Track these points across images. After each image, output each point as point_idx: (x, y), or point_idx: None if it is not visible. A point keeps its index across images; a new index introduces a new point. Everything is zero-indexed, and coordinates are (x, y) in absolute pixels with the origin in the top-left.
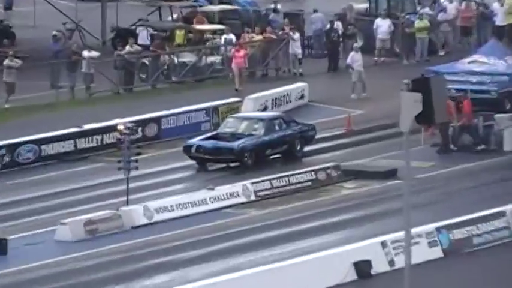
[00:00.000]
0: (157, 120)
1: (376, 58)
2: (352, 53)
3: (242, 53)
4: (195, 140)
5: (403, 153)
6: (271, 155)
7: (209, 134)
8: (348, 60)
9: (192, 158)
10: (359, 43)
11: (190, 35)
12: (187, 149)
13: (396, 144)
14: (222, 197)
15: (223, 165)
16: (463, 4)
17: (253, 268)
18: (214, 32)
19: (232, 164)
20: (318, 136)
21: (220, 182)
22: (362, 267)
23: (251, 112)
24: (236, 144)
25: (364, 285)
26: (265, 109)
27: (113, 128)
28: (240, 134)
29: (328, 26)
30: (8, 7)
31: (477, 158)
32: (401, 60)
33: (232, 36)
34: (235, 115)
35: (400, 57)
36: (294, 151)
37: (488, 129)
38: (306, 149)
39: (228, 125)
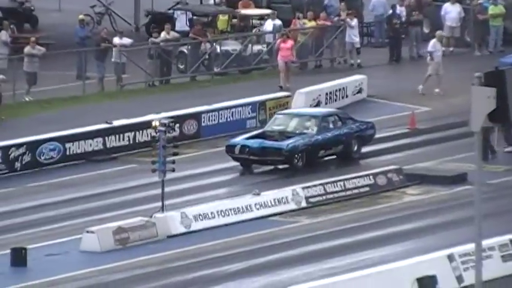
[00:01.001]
0: (196, 116)
1: (444, 48)
2: (433, 41)
3: (289, 44)
4: (239, 139)
5: (474, 155)
6: (325, 156)
7: (255, 133)
8: (429, 48)
9: (235, 159)
10: (425, 31)
11: (235, 20)
12: (230, 149)
13: (466, 145)
14: (269, 203)
15: (271, 167)
16: None
17: (304, 284)
18: (261, 17)
19: (280, 166)
20: (377, 136)
21: (267, 186)
22: (426, 284)
23: (302, 108)
24: (285, 144)
25: None
26: (318, 104)
27: (146, 125)
28: (289, 133)
29: (390, 11)
30: None
31: None
32: (473, 50)
33: (279, 22)
34: (285, 111)
35: (472, 47)
36: (351, 152)
37: None
38: (364, 150)
39: (277, 123)
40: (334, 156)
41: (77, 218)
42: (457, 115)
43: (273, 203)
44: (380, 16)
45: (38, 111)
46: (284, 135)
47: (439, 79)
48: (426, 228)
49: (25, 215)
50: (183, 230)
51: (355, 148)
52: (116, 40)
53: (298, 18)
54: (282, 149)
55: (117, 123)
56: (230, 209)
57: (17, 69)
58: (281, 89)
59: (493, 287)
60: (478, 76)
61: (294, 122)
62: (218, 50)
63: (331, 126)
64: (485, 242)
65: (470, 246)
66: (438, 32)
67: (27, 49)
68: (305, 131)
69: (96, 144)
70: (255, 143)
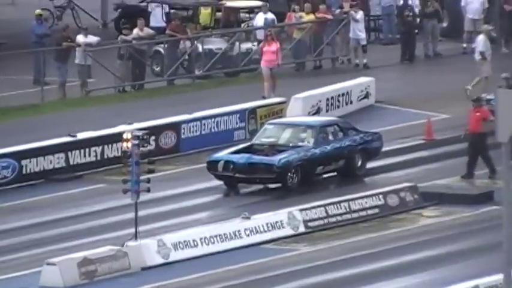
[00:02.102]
0: (175, 127)
1: (465, 45)
2: (482, 37)
3: (274, 47)
4: (223, 154)
5: (502, 170)
6: (324, 173)
7: (241, 146)
8: (480, 47)
9: (218, 177)
10: (443, 24)
11: (219, 14)
12: (212, 166)
13: (493, 158)
14: (261, 229)
15: (260, 187)
16: None
17: None
18: (251, 10)
19: (271, 186)
20: (387, 148)
21: (256, 209)
22: None
23: (298, 117)
24: (277, 159)
25: None
26: (317, 112)
27: (116, 138)
28: (282, 146)
29: (401, 2)
30: None
31: None
32: (499, 47)
33: (272, 16)
34: (276, 121)
35: (497, 43)
36: (354, 168)
37: None
38: (371, 165)
39: (267, 134)
40: (335, 173)
41: (35, 248)
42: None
43: (265, 228)
44: (389, 8)
45: None
46: (275, 148)
47: (487, 82)
48: (446, 257)
49: None
50: (160, 260)
51: (359, 163)
52: (80, 38)
53: (294, 11)
54: (273, 165)
55: (81, 136)
56: (215, 236)
57: None
58: (264, 99)
59: None
60: (506, 77)
61: (287, 133)
62: (200, 49)
63: (330, 137)
64: None
65: (497, 278)
66: (485, 27)
67: None
68: (300, 143)
69: (57, 160)
70: (241, 158)
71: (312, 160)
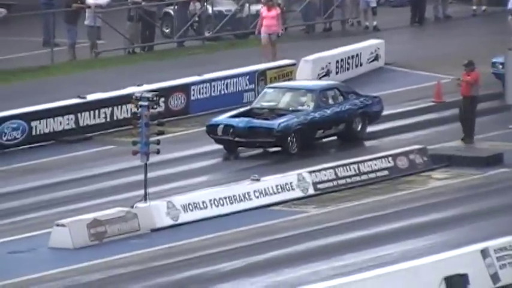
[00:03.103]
0: (185, 88)
1: (474, 7)
2: None
3: (274, 12)
4: (222, 118)
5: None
6: (324, 137)
7: (241, 110)
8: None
9: (218, 141)
10: None
11: None
12: (212, 130)
13: (501, 121)
14: (271, 191)
15: (259, 150)
16: None
17: (311, 285)
18: None
19: (271, 150)
20: (397, 110)
21: (255, 173)
22: (456, 283)
23: (298, 81)
24: (277, 123)
25: None
26: (327, 74)
27: (126, 99)
28: (281, 110)
29: None
30: None
31: None
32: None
33: None
34: (276, 84)
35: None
36: (354, 132)
37: None
38: (380, 127)
39: (266, 98)
40: (335, 137)
41: (45, 209)
42: (490, 85)
43: (275, 190)
44: None
45: None
46: (275, 112)
47: None
48: (455, 219)
49: None
50: (169, 222)
51: (359, 127)
52: (90, 0)
53: None
54: (272, 129)
55: (91, 97)
56: (225, 198)
57: None
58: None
59: None
60: None
61: (287, 97)
62: (210, 11)
63: (330, 101)
64: None
65: (507, 240)
66: None
67: None
68: (300, 107)
69: (67, 122)
70: (240, 122)
71: (311, 124)
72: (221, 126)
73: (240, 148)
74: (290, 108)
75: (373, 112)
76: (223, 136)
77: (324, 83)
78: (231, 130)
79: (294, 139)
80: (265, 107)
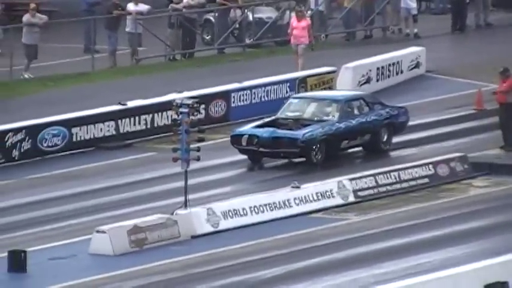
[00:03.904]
0: (225, 95)
1: None
2: None
3: (304, 23)
4: (247, 128)
5: None
6: (348, 148)
7: (266, 120)
8: None
9: (242, 151)
10: None
11: None
12: (236, 140)
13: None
14: (311, 198)
15: (284, 161)
16: None
17: None
18: None
19: (296, 160)
20: (438, 118)
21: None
22: None
23: (324, 91)
24: (301, 133)
25: None
26: (367, 81)
27: (166, 106)
28: (306, 120)
29: None
30: None
31: None
32: None
33: None
34: (301, 95)
35: None
36: (379, 143)
37: None
38: (420, 135)
39: (291, 108)
40: (360, 148)
41: (85, 216)
42: None
43: (315, 198)
44: None
45: (39, 90)
46: (300, 123)
47: None
48: (495, 227)
49: (24, 212)
50: (209, 229)
51: (385, 138)
52: (131, 7)
53: None
54: (297, 139)
55: (131, 104)
56: (265, 205)
57: (15, 42)
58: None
59: None
60: None
61: (312, 107)
62: (250, 18)
63: (356, 112)
64: None
65: None
66: None
67: (26, 18)
68: (325, 117)
69: (107, 128)
70: (265, 132)
71: (336, 134)
72: (245, 137)
73: (264, 158)
74: (315, 119)
75: (398, 123)
76: (248, 146)
77: (349, 93)
78: (256, 140)
79: (319, 149)
80: (290, 117)
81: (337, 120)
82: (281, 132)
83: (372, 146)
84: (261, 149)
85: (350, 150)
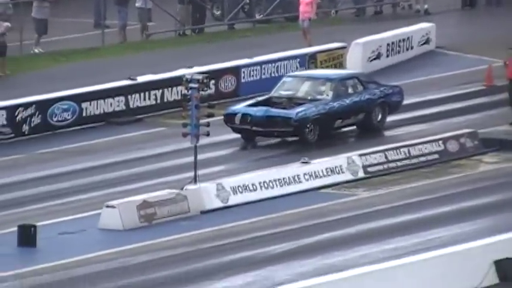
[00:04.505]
0: (235, 71)
1: None
2: None
3: None
4: (240, 107)
5: None
6: (342, 127)
7: (259, 99)
8: None
9: (236, 130)
10: None
11: None
12: (229, 119)
13: None
14: (321, 173)
15: (277, 140)
16: None
17: (360, 268)
18: None
19: (289, 139)
20: (448, 94)
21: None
22: (506, 267)
23: (317, 70)
24: (295, 112)
25: None
26: (378, 57)
27: (176, 81)
28: (300, 99)
29: None
30: None
31: None
32: None
33: None
34: (295, 73)
35: None
36: (373, 122)
37: None
38: (430, 111)
39: (285, 87)
40: (354, 127)
41: (95, 191)
42: None
43: (325, 173)
44: None
45: (50, 65)
46: (293, 102)
47: None
48: (505, 203)
49: (34, 187)
50: (219, 204)
51: (379, 117)
52: None
53: None
54: (290, 118)
55: (141, 79)
56: (275, 180)
57: (25, 16)
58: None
59: None
60: None
61: (306, 86)
62: None
63: (350, 91)
64: None
65: None
66: None
67: None
68: (318, 96)
69: (117, 103)
70: (258, 111)
71: (330, 113)
72: (239, 115)
73: (257, 138)
74: (309, 98)
75: (393, 102)
76: (241, 125)
77: (343, 72)
78: (249, 119)
79: (312, 129)
80: (283, 96)
81: (331, 99)
82: (274, 111)
83: (366, 125)
84: (254, 128)
85: (344, 129)
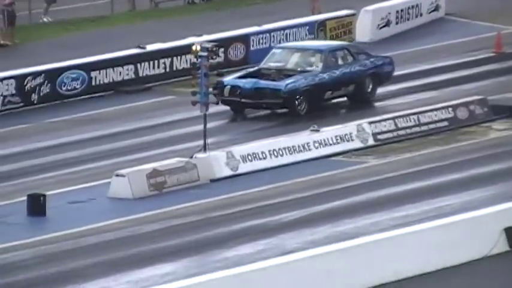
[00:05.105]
0: (244, 39)
1: None
2: None
3: None
4: (229, 79)
5: None
6: (332, 98)
7: (249, 70)
8: None
9: (225, 102)
10: None
11: None
12: (218, 91)
13: None
14: (331, 141)
15: (267, 112)
16: None
17: (371, 235)
18: None
19: (279, 111)
20: (457, 61)
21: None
22: None
23: (307, 41)
24: (284, 84)
25: None
26: (387, 25)
27: (185, 49)
28: (289, 71)
29: None
30: None
31: None
32: None
33: None
34: (284, 45)
35: None
36: (364, 93)
37: None
38: (439, 77)
39: (274, 58)
40: (344, 99)
41: (104, 159)
42: None
43: (334, 141)
44: None
45: (58, 34)
46: (283, 73)
47: None
48: None
49: (43, 156)
50: (229, 172)
51: (370, 88)
52: None
53: None
54: (279, 90)
55: (150, 47)
56: (284, 148)
57: None
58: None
59: None
60: None
61: (295, 57)
62: None
63: (340, 62)
64: None
65: None
66: None
67: None
68: (308, 68)
69: (126, 72)
70: (247, 83)
71: (320, 85)
72: (228, 87)
73: (246, 109)
74: (298, 69)
75: (384, 73)
76: (230, 97)
77: (333, 43)
78: (238, 91)
79: (302, 100)
80: (272, 68)
81: (320, 70)
82: (263, 83)
83: (357, 97)
84: (243, 100)
85: (334, 101)
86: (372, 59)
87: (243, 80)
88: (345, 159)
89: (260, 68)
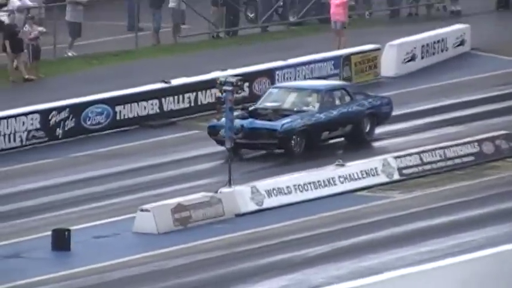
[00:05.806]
0: (269, 73)
1: None
2: None
3: (338, 0)
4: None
5: None
6: (330, 139)
7: (245, 110)
8: None
9: (220, 142)
10: None
11: None
12: (213, 131)
13: None
14: (356, 176)
15: (263, 152)
16: None
17: (396, 270)
18: None
19: (276, 152)
20: (482, 96)
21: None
22: None
23: (304, 80)
24: (280, 124)
25: None
26: (412, 59)
27: (210, 84)
28: (286, 110)
29: None
30: None
31: None
32: None
33: None
34: (281, 84)
35: None
36: (362, 133)
37: None
38: (464, 112)
39: (271, 98)
40: (342, 139)
41: (129, 194)
42: None
43: (360, 176)
44: None
45: (83, 69)
46: (279, 113)
47: None
48: None
49: (68, 191)
50: (253, 207)
51: (368, 128)
52: None
53: None
54: (275, 130)
55: (175, 82)
56: (309, 183)
57: (58, 20)
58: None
59: None
60: None
61: (292, 97)
62: None
63: (337, 102)
64: None
65: None
66: None
67: None
68: (305, 108)
69: (151, 107)
70: (243, 123)
71: (316, 125)
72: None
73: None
74: (295, 109)
75: (382, 113)
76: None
77: (330, 83)
78: (234, 131)
79: (298, 141)
80: (269, 108)
81: (317, 110)
82: (259, 122)
83: (354, 137)
84: (239, 140)
85: (332, 141)
86: (369, 99)
87: (238, 120)
88: (370, 194)
89: (256, 108)
